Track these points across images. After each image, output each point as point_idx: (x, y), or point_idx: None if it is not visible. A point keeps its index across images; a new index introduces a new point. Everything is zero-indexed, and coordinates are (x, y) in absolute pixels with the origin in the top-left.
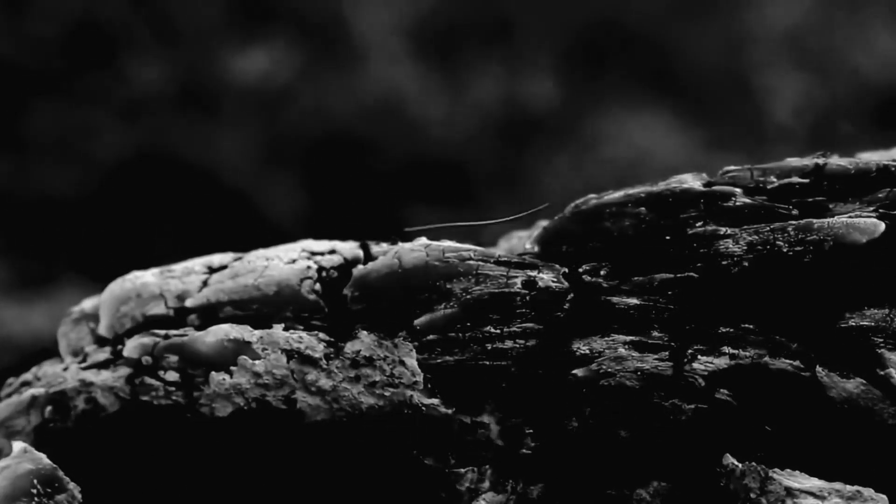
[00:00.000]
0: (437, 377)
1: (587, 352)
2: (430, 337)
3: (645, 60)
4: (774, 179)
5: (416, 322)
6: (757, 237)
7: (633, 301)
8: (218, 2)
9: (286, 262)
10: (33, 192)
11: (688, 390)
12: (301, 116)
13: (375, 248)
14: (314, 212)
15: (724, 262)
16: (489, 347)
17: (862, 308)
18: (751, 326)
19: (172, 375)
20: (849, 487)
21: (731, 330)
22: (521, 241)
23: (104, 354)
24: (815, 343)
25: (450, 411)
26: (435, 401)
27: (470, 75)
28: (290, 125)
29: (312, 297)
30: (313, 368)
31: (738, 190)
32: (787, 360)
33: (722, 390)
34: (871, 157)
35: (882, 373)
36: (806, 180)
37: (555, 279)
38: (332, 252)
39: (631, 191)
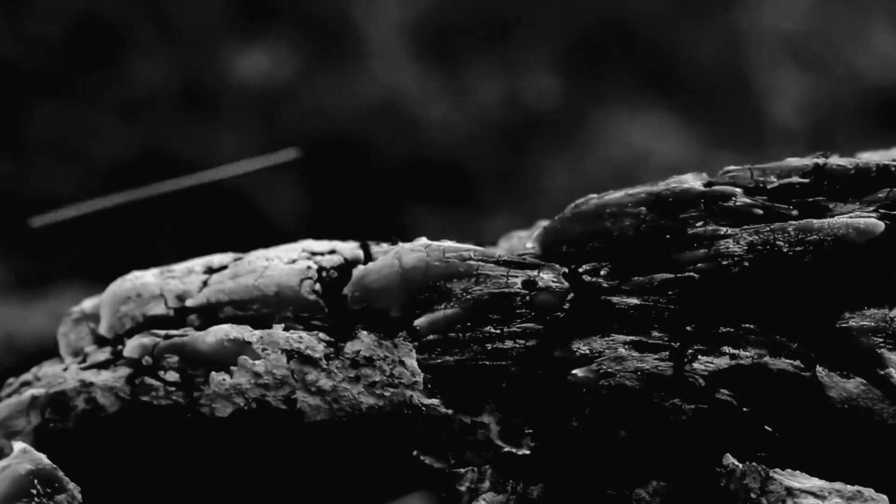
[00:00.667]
0: (437, 377)
1: (587, 352)
2: (430, 337)
3: (645, 60)
4: (774, 179)
5: (416, 322)
6: (757, 237)
7: (633, 301)
8: (218, 1)
9: (286, 262)
10: (33, 192)
11: (688, 390)
12: (301, 116)
13: (375, 248)
14: (314, 212)
15: (724, 262)
16: (489, 347)
17: (862, 308)
18: (751, 326)
19: (172, 375)
20: (849, 487)
21: (731, 330)
22: (521, 241)
23: (104, 354)
24: (815, 343)
25: (450, 411)
26: (435, 401)
27: (470, 75)
28: (290, 125)
29: (312, 297)
30: (313, 368)
31: (738, 190)
32: (787, 360)
33: (722, 390)
34: (871, 157)
35: (882, 373)
36: (806, 180)
37: (555, 279)
38: (332, 252)
39: (631, 191)
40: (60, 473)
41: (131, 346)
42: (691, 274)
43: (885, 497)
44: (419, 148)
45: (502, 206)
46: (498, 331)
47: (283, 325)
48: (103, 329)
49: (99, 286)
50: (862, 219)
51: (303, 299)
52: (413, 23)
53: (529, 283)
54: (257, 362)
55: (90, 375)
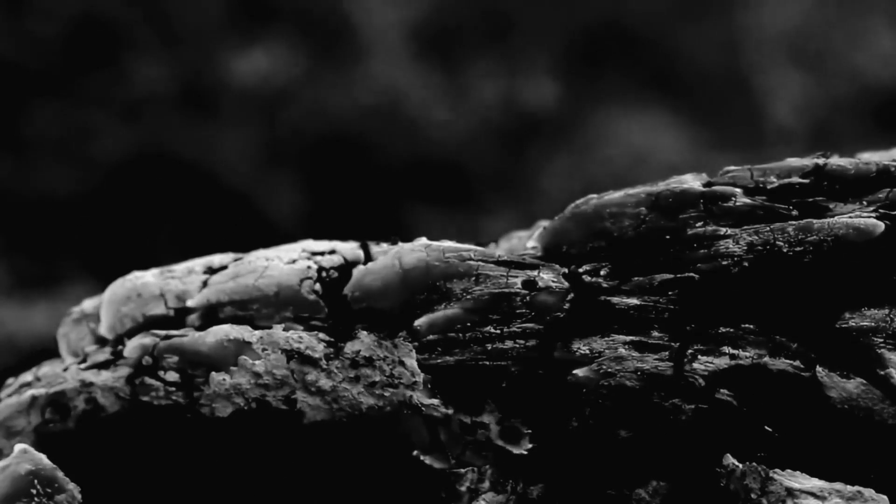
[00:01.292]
0: (437, 377)
1: (587, 352)
2: (430, 337)
3: (645, 60)
4: (774, 179)
5: (416, 322)
6: (757, 237)
7: (633, 301)
8: (218, 2)
9: (286, 262)
10: (33, 192)
11: (688, 390)
12: (301, 116)
13: (375, 249)
14: (314, 212)
15: (723, 263)
16: (489, 347)
17: (862, 308)
18: (751, 326)
19: (172, 376)
20: (849, 488)
21: (731, 330)
22: (521, 241)
23: (104, 355)
24: (815, 343)
25: (450, 411)
26: (435, 401)
27: (470, 75)
28: (290, 125)
29: (312, 297)
30: (313, 368)
31: (738, 190)
32: (787, 360)
33: (722, 390)
34: (871, 157)
35: (882, 373)
36: (806, 180)
37: (555, 279)
38: (332, 252)
39: (631, 191)
40: (60, 473)
41: (131, 347)
42: (691, 274)
43: (885, 497)
44: (419, 148)
45: (502, 206)
46: (498, 331)
47: (283, 326)
48: (103, 329)
49: (99, 286)
50: (862, 219)
51: (303, 299)
52: (413, 23)
53: (529, 284)
54: (257, 362)
55: (90, 375)
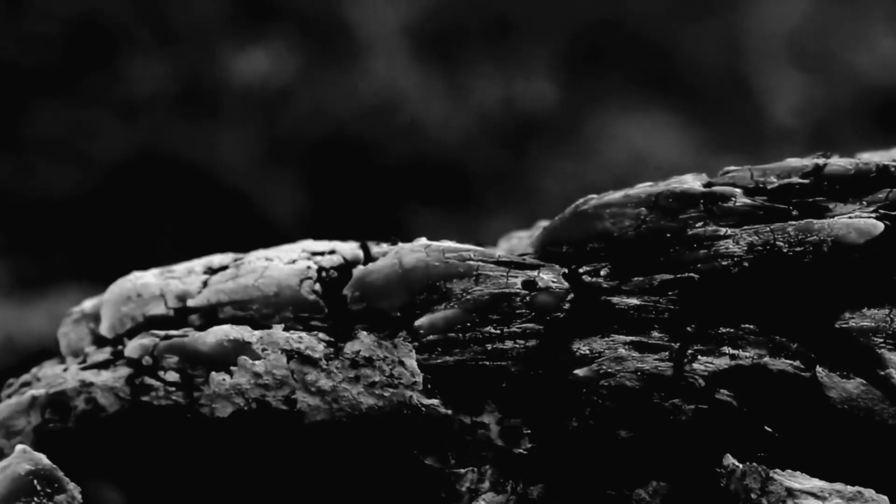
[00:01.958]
0: (437, 377)
1: (587, 352)
2: (430, 337)
3: (645, 60)
4: (774, 180)
5: (416, 322)
6: (757, 238)
7: (633, 301)
8: (218, 2)
9: (286, 262)
10: (33, 192)
11: (688, 390)
12: (301, 116)
13: (375, 249)
14: (314, 212)
15: (724, 262)
16: (489, 347)
17: (862, 308)
18: (751, 326)
19: (172, 376)
20: (850, 488)
21: (731, 330)
22: (521, 241)
23: (104, 355)
24: (815, 343)
25: (450, 411)
26: (435, 401)
27: (470, 75)
28: (290, 125)
29: (312, 297)
30: (313, 369)
31: (738, 190)
32: (787, 360)
33: (722, 391)
34: (871, 158)
35: (882, 373)
36: (806, 180)
37: (555, 280)
38: (332, 252)
39: (631, 191)
40: (60, 473)
41: (131, 347)
42: (691, 274)
43: (885, 498)
44: (419, 148)
45: (502, 206)
46: (498, 331)
47: (283, 326)
48: (103, 329)
49: (99, 286)
50: (862, 219)
51: (303, 299)
52: (413, 23)
53: (529, 284)
54: (257, 362)
55: (90, 375)
